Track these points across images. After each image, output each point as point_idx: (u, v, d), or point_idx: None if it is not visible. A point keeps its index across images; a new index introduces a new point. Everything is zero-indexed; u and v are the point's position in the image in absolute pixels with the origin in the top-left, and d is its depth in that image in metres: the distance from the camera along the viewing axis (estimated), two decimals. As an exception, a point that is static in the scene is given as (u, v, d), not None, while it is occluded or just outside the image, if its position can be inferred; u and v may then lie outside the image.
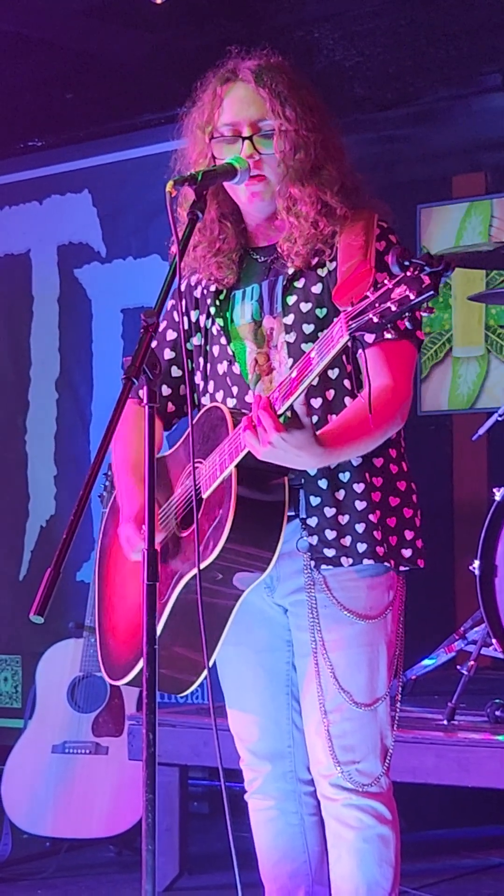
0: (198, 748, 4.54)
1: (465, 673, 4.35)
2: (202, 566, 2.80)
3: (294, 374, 2.66)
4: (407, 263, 2.43)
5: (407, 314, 2.47)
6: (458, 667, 4.45)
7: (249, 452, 2.74)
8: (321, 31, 5.80)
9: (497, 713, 4.27)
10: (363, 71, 5.88)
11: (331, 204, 2.93)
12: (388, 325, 2.49)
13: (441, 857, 5.08)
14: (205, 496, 2.88)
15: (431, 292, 2.42)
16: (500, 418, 4.81)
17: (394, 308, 2.45)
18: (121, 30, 6.06)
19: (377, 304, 2.47)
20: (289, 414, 2.69)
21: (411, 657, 4.82)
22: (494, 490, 4.38)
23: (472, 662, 4.37)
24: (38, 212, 6.50)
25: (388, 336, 2.76)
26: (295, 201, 2.94)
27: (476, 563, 4.33)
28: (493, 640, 4.30)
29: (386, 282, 2.47)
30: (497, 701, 4.30)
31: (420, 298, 2.43)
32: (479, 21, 5.62)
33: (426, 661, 4.86)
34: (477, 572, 4.33)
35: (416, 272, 2.42)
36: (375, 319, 2.48)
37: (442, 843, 5.29)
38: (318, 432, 2.74)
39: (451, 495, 6.28)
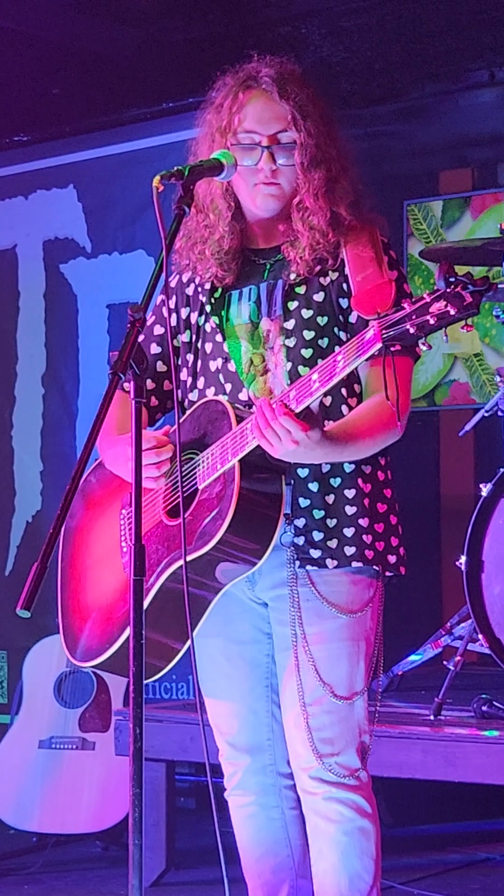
0: (184, 744, 4.54)
1: (452, 668, 4.35)
2: (197, 555, 2.83)
3: (315, 376, 2.70)
4: (452, 280, 2.46)
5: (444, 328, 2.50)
6: (445, 662, 4.46)
7: (253, 449, 2.78)
8: (308, 27, 5.79)
9: (483, 708, 4.28)
10: (350, 66, 5.88)
11: (341, 215, 2.96)
12: (424, 338, 2.52)
13: (428, 851, 5.08)
14: (201, 486, 2.89)
15: (474, 310, 2.45)
16: (486, 414, 4.82)
17: (432, 321, 2.51)
18: (107, 24, 6.05)
19: (414, 316, 2.52)
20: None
21: (398, 652, 4.83)
22: (481, 486, 4.39)
23: (458, 658, 4.37)
24: (24, 207, 6.49)
25: (392, 350, 2.77)
26: (309, 213, 2.96)
27: (463, 559, 4.34)
28: (480, 636, 4.30)
29: (425, 295, 2.49)
30: (484, 696, 4.31)
31: (460, 316, 2.48)
32: (466, 17, 5.62)
33: (413, 657, 4.87)
34: (464, 568, 4.33)
35: (458, 289, 2.45)
36: (412, 330, 2.54)
37: (429, 838, 5.30)
38: (326, 427, 2.80)
39: (437, 491, 6.29)
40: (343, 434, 2.84)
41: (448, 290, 2.48)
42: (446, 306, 2.48)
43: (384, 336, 2.57)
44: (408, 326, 2.53)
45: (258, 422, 2.75)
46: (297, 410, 2.73)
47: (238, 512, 2.81)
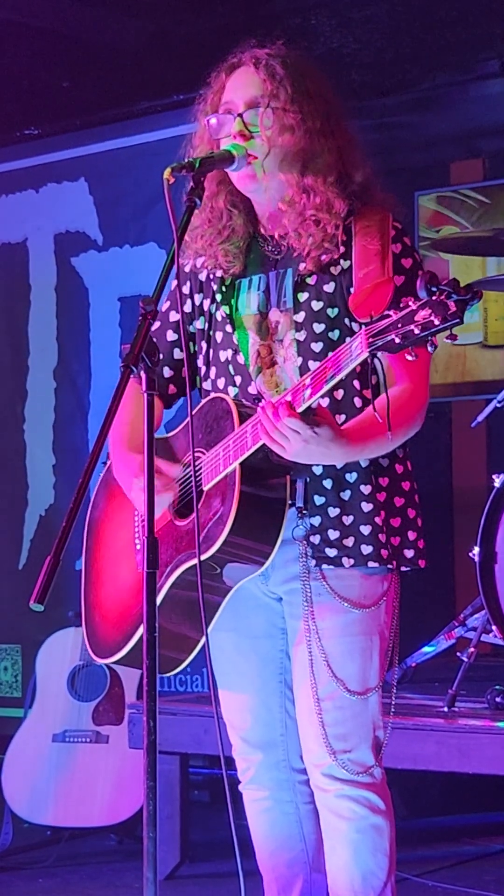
0: (198, 736, 4.54)
1: (466, 660, 4.35)
2: (203, 558, 2.80)
3: (309, 381, 2.68)
4: (434, 289, 2.43)
5: (429, 338, 2.47)
6: (459, 654, 4.45)
7: (255, 452, 2.75)
8: (318, 18, 5.78)
9: (497, 700, 4.27)
10: (360, 58, 5.86)
11: (328, 196, 2.91)
12: (409, 347, 2.48)
13: (442, 843, 5.08)
14: (205, 489, 2.88)
15: (457, 320, 2.42)
16: (498, 405, 4.81)
17: (417, 331, 2.46)
18: (118, 17, 6.05)
19: (399, 325, 2.48)
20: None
21: (411, 644, 4.82)
22: (494, 477, 4.38)
23: (472, 649, 4.37)
24: (35, 200, 6.49)
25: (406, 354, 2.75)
26: (284, 187, 2.93)
27: (476, 550, 4.33)
28: (493, 627, 4.30)
29: (410, 303, 2.46)
30: (497, 687, 4.30)
31: (445, 325, 2.43)
32: (477, 7, 5.60)
33: (426, 649, 4.86)
34: (477, 559, 4.32)
35: (443, 297, 2.41)
36: (397, 340, 2.49)
37: (443, 829, 5.30)
38: (342, 427, 2.76)
39: (450, 482, 6.29)
40: (360, 433, 2.79)
41: (433, 298, 2.44)
42: (430, 315, 2.44)
43: (371, 345, 2.53)
44: (392, 336, 2.49)
45: (264, 426, 2.72)
46: (299, 411, 2.69)
47: (240, 516, 2.78)
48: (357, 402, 2.92)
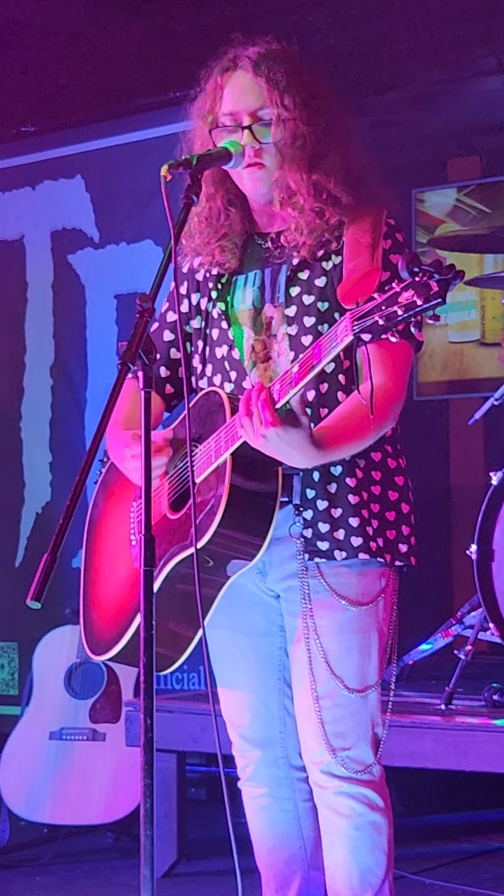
0: (195, 734, 4.54)
1: (463, 657, 4.35)
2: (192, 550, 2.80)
3: (296, 369, 2.67)
4: (416, 269, 2.43)
5: (412, 319, 2.46)
6: (456, 651, 4.45)
7: (245, 442, 2.75)
8: (315, 15, 5.78)
9: (494, 697, 4.28)
10: (357, 54, 5.86)
11: (335, 193, 2.92)
12: (394, 329, 2.48)
13: (439, 841, 5.09)
14: (198, 481, 2.88)
15: (439, 300, 2.42)
16: (496, 402, 4.81)
17: (400, 312, 2.46)
18: (114, 14, 6.04)
19: (383, 307, 2.48)
20: (288, 406, 2.69)
21: (409, 642, 4.82)
22: (491, 474, 4.38)
23: (469, 647, 4.37)
24: (32, 197, 6.48)
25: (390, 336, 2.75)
26: (292, 192, 2.93)
27: (473, 548, 4.33)
28: (491, 625, 4.30)
29: (394, 285, 2.46)
30: (494, 685, 4.31)
31: (427, 305, 2.43)
32: (474, 4, 5.59)
33: (423, 646, 4.87)
34: (474, 557, 4.33)
35: (425, 278, 2.42)
36: (381, 322, 2.49)
37: (440, 827, 5.30)
38: (314, 429, 2.74)
39: (447, 480, 6.29)
40: (332, 437, 2.78)
41: (415, 279, 2.45)
42: (413, 296, 2.43)
43: (355, 328, 2.53)
44: (376, 318, 2.49)
45: (241, 410, 2.72)
46: (279, 404, 2.68)
47: (230, 508, 2.78)
48: (340, 396, 2.92)
